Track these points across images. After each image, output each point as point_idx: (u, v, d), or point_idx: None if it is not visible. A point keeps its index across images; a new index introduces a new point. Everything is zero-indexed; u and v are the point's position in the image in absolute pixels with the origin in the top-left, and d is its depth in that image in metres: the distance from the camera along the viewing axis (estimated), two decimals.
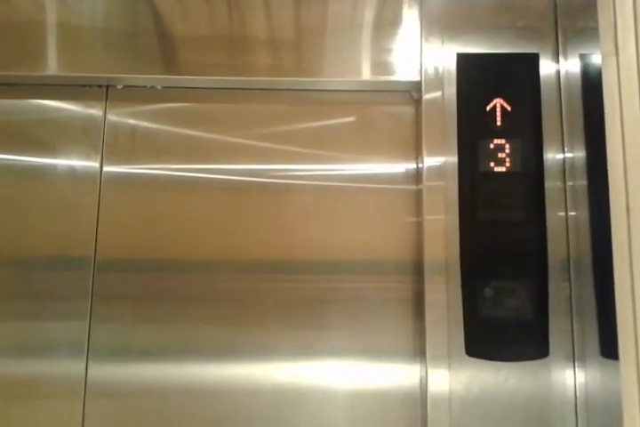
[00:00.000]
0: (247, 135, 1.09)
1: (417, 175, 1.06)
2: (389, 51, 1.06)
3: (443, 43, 1.04)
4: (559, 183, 0.99)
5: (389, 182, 1.07)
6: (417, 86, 1.05)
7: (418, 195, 1.04)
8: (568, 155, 1.00)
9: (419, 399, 1.00)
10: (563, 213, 0.98)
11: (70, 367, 1.01)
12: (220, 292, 1.04)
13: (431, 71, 1.04)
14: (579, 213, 0.98)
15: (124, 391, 1.01)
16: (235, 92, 1.10)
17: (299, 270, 1.05)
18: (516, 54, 1.03)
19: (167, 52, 1.07)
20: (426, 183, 1.00)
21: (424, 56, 1.04)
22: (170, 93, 1.10)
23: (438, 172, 1.00)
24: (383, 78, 1.06)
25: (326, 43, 1.06)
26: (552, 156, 1.00)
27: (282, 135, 1.09)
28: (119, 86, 1.09)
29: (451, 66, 1.03)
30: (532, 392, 0.94)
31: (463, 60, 1.02)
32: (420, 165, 1.03)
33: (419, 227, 1.03)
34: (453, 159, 1.00)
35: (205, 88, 1.09)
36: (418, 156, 1.06)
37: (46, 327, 1.02)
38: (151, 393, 1.02)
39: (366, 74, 1.06)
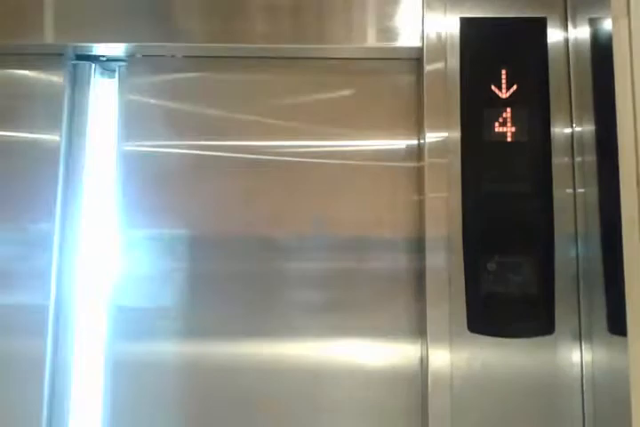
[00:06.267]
0: (236, 110, 1.05)
1: (419, 152, 1.03)
2: (391, 17, 1.02)
3: (446, 8, 1.00)
4: (567, 159, 0.96)
5: (390, 160, 1.04)
6: (419, 54, 1.01)
7: (419, 172, 1.01)
8: (577, 129, 0.96)
9: (419, 376, 0.98)
10: (571, 191, 0.95)
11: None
12: (230, 271, 1.02)
13: (433, 38, 1.00)
14: (587, 190, 0.95)
15: (152, 369, 1.00)
16: (225, 60, 1.05)
17: (296, 249, 1.02)
18: (523, 18, 0.98)
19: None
20: (428, 160, 0.97)
21: (426, 22, 1.00)
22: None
23: (440, 148, 0.97)
24: (384, 45, 1.02)
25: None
26: (560, 129, 0.97)
27: (276, 109, 1.05)
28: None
29: (454, 33, 0.99)
30: (537, 370, 0.92)
31: (466, 24, 0.99)
32: (422, 142, 1.00)
33: (420, 205, 1.00)
34: (456, 134, 0.97)
35: (202, 57, 1.05)
36: (420, 131, 1.03)
37: None
38: (177, 371, 1.00)
39: (366, 40, 1.02)
